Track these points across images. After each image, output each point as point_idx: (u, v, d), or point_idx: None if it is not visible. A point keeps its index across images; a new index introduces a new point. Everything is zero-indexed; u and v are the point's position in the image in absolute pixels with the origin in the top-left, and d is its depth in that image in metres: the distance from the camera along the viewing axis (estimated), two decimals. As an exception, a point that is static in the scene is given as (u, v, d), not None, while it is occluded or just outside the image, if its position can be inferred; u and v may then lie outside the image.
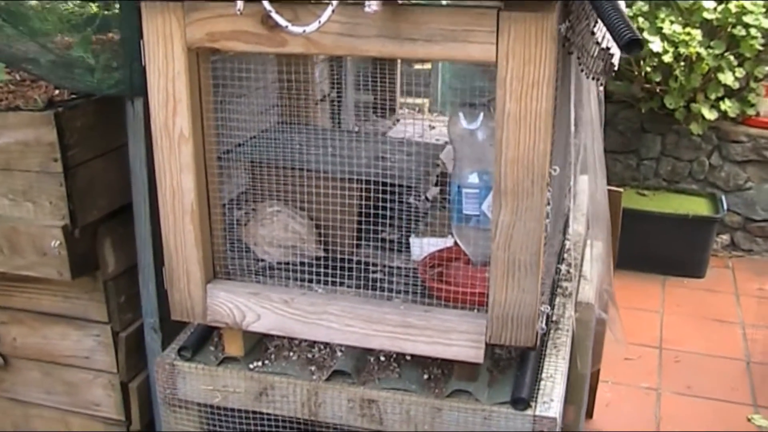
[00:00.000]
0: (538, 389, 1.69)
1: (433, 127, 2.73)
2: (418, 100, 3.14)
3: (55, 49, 1.97)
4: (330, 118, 2.70)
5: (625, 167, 5.10)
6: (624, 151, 5.08)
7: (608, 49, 1.49)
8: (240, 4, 1.41)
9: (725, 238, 5.09)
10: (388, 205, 1.81)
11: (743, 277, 4.79)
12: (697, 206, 4.80)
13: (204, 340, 1.88)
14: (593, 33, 1.46)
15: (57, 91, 1.95)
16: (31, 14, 2.02)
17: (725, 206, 4.75)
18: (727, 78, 4.32)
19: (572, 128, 1.78)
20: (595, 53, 1.50)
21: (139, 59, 1.62)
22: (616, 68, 1.59)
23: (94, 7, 2.20)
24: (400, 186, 1.85)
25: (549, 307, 1.64)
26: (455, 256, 1.82)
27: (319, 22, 1.36)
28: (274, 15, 1.39)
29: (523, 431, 1.63)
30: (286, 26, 1.39)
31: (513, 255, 1.51)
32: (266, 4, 1.39)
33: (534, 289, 1.52)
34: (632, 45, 1.18)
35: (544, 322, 1.61)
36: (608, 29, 1.22)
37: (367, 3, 1.32)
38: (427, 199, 2.16)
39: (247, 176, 1.97)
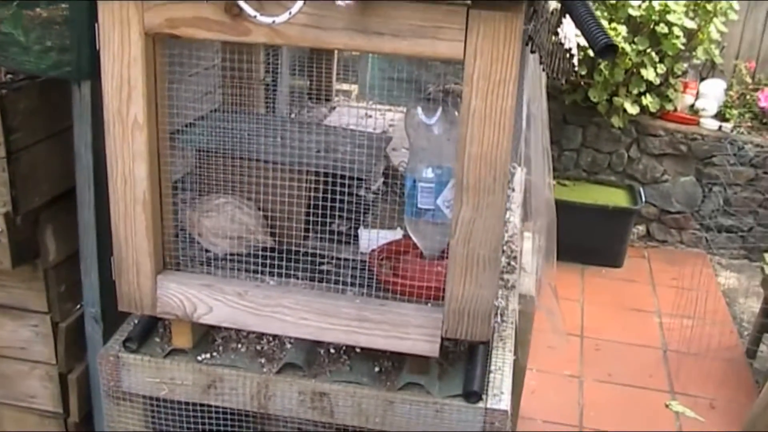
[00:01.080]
0: (488, 382, 1.72)
1: (370, 116, 2.73)
2: (345, 86, 3.13)
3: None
4: (264, 104, 2.67)
5: (548, 158, 5.20)
6: (547, 142, 5.17)
7: (570, 49, 1.51)
8: (206, -8, 1.38)
9: (641, 229, 5.25)
10: (337, 196, 1.80)
11: (659, 268, 4.95)
12: (616, 197, 4.93)
13: (149, 331, 1.84)
14: (556, 33, 1.48)
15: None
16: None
17: (643, 198, 4.89)
18: (649, 74, 4.44)
19: (524, 123, 1.80)
20: (558, 53, 1.52)
21: (88, 42, 1.57)
22: (576, 68, 1.62)
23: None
24: (350, 178, 1.84)
25: (502, 301, 1.66)
26: (405, 249, 1.82)
27: (290, 13, 1.34)
28: (242, 4, 1.37)
29: (475, 424, 1.65)
30: (255, 16, 1.36)
31: (472, 251, 1.52)
32: (233, -7, 1.36)
33: (492, 284, 1.54)
34: (607, 50, 1.20)
35: (498, 316, 1.63)
36: (583, 33, 1.23)
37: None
38: (372, 191, 2.16)
39: (190, 160, 1.93)
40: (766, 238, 5.09)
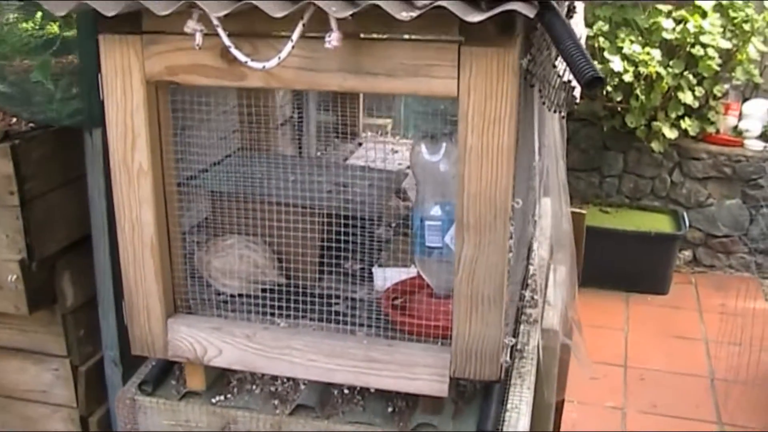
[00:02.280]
0: (504, 421, 1.68)
1: (396, 151, 2.73)
2: (380, 121, 3.13)
3: (13, 75, 1.95)
4: (291, 142, 2.69)
5: (588, 185, 5.14)
6: (586, 169, 5.12)
7: (569, 81, 1.49)
8: (198, 39, 1.39)
9: (687, 254, 5.14)
10: (350, 235, 1.79)
11: (706, 293, 4.84)
12: (660, 223, 4.85)
13: (165, 373, 1.85)
14: (554, 66, 1.46)
15: (14, 119, 1.92)
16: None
17: (687, 223, 4.80)
18: (686, 97, 4.37)
19: (536, 155, 1.78)
20: (557, 86, 1.50)
21: (98, 90, 1.59)
22: (577, 100, 1.59)
23: (55, 27, 2.15)
24: (362, 217, 1.83)
25: (513, 339, 1.63)
26: (419, 286, 1.80)
27: (279, 57, 1.35)
28: (232, 50, 1.38)
29: (488, 464, 1.62)
30: (246, 61, 1.37)
31: (476, 289, 1.50)
32: (224, 39, 1.37)
33: (498, 323, 1.51)
34: (593, 83, 1.18)
35: (508, 354, 1.60)
36: (569, 66, 1.22)
37: (327, 39, 1.31)
38: (390, 226, 2.15)
39: (206, 205, 1.95)
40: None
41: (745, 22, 4.32)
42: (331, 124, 2.73)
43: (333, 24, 1.30)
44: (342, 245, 1.79)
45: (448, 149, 1.66)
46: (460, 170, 1.43)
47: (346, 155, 2.70)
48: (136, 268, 1.67)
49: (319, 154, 2.74)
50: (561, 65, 1.46)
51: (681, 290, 4.88)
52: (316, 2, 1.27)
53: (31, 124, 1.91)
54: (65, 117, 1.82)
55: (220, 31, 1.37)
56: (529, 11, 1.21)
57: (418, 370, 1.59)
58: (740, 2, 4.35)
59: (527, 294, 2.20)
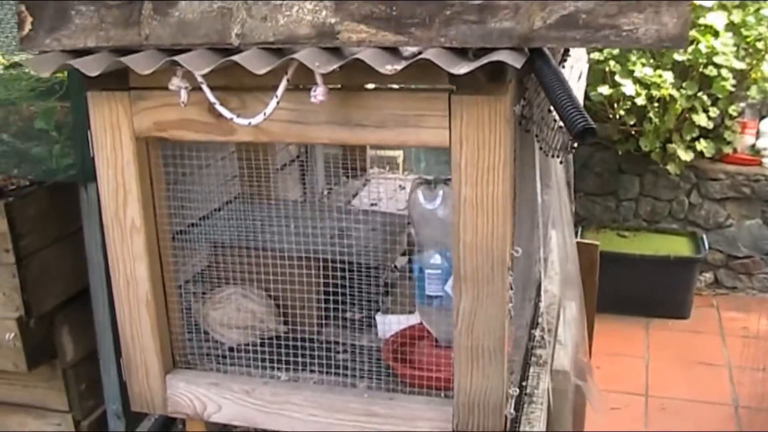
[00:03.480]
0: (512, 471, 1.64)
1: (404, 188, 2.69)
2: (390, 153, 3.09)
3: (19, 122, 1.94)
4: (297, 181, 2.66)
5: (604, 209, 5.08)
6: (602, 193, 5.06)
7: (560, 126, 1.45)
8: (183, 96, 1.36)
9: (708, 276, 5.06)
10: (353, 282, 1.76)
11: (728, 316, 4.75)
12: (679, 246, 4.77)
13: (168, 426, 1.83)
14: (550, 110, 1.43)
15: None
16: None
17: (707, 245, 4.72)
18: (701, 119, 4.32)
19: (539, 196, 1.74)
20: (555, 129, 1.46)
21: (90, 144, 1.58)
22: (576, 146, 1.55)
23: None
24: (365, 264, 1.80)
25: (518, 390, 1.59)
26: (422, 335, 1.77)
27: (264, 114, 1.32)
28: (218, 107, 1.35)
29: None
30: (231, 118, 1.35)
31: (476, 341, 1.46)
32: (209, 96, 1.35)
33: (499, 374, 1.47)
34: (585, 134, 1.15)
35: (512, 405, 1.55)
36: (560, 116, 1.18)
37: (312, 93, 1.28)
38: (395, 268, 2.12)
39: (204, 255, 1.92)
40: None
41: (759, 40, 4.26)
42: (339, 158, 2.70)
43: (318, 78, 1.27)
44: (344, 292, 1.76)
45: (446, 195, 1.63)
46: (455, 221, 1.40)
47: (353, 192, 2.67)
48: (133, 324, 1.65)
49: (325, 192, 2.71)
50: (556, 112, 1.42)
51: (702, 314, 4.79)
52: (298, 58, 1.24)
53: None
54: (60, 171, 1.80)
55: (204, 88, 1.35)
56: (517, 61, 1.18)
57: (420, 424, 1.55)
58: (753, 21, 4.29)
59: (537, 334, 2.15)
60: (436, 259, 1.64)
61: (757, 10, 4.27)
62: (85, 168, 1.76)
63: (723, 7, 4.28)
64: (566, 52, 1.66)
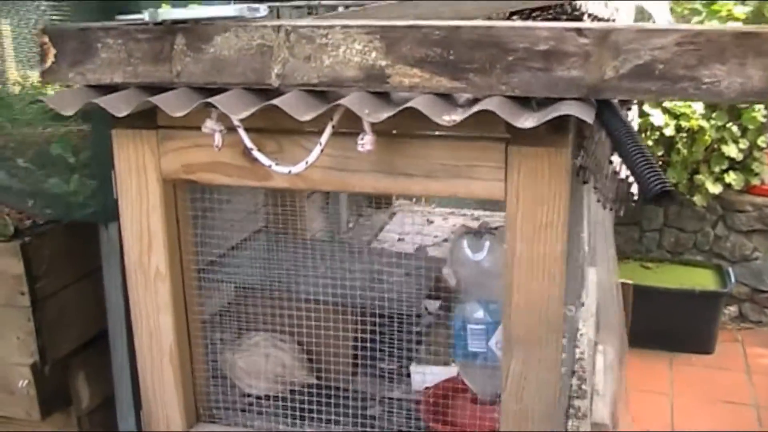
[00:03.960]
0: None
1: (431, 221, 2.59)
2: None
3: (34, 146, 1.84)
4: (321, 211, 2.56)
5: (627, 239, 4.96)
6: (626, 223, 4.94)
7: (627, 177, 1.35)
8: (218, 139, 1.27)
9: (733, 309, 4.94)
10: (386, 331, 1.66)
11: (753, 352, 4.63)
12: (703, 278, 4.66)
13: (187, 481, 1.71)
14: (610, 161, 1.33)
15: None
16: (12, 101, 1.88)
17: (733, 279, 4.60)
18: (730, 150, 4.21)
19: (586, 244, 1.64)
20: (613, 179, 1.36)
21: (112, 183, 1.48)
22: (635, 197, 1.45)
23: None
24: (398, 313, 1.70)
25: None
26: (461, 389, 1.66)
27: (306, 162, 1.22)
28: (255, 153, 1.25)
29: None
30: (270, 165, 1.25)
31: (525, 406, 1.35)
32: (246, 141, 1.25)
33: (549, 442, 1.36)
34: (662, 196, 1.04)
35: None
36: (633, 176, 1.08)
37: (359, 142, 1.18)
38: (428, 312, 2.01)
39: (227, 291, 1.82)
40: None
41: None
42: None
43: (366, 126, 1.17)
44: (377, 340, 1.66)
45: (493, 246, 1.52)
46: (507, 280, 1.29)
47: (380, 225, 2.57)
48: (155, 376, 1.54)
49: (350, 225, 2.61)
50: (617, 159, 1.32)
51: (727, 349, 4.66)
52: (346, 104, 1.14)
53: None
54: (78, 209, 1.70)
55: (241, 132, 1.25)
56: (588, 115, 1.08)
57: (461, 492, 1.44)
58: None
59: (574, 383, 2.04)
60: (480, 313, 1.53)
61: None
62: (106, 206, 1.66)
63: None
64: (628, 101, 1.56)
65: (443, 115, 1.11)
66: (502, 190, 1.25)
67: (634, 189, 1.44)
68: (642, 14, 2.32)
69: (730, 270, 4.68)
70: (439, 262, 1.93)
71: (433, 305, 2.02)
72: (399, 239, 2.47)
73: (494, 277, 1.52)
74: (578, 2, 1.38)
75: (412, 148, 1.27)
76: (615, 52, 1.09)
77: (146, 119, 1.40)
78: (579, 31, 1.09)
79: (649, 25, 1.07)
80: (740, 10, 4.14)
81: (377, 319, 1.69)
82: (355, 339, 1.74)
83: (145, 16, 1.29)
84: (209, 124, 1.26)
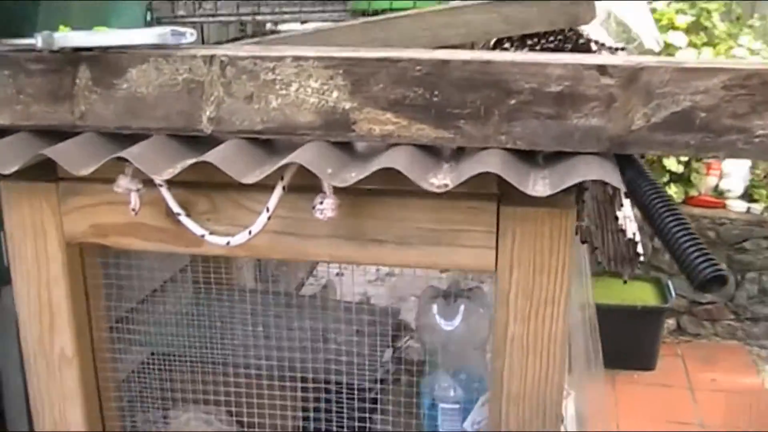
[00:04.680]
0: None
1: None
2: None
3: None
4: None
5: (566, 253, 4.80)
6: (564, 237, 4.79)
7: (633, 236, 1.13)
8: (134, 201, 1.00)
9: (671, 322, 4.84)
10: (338, 398, 1.41)
11: (695, 367, 4.52)
12: (643, 293, 4.53)
13: None
14: (616, 217, 1.10)
15: None
16: None
17: (673, 293, 4.48)
18: (671, 163, 4.09)
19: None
20: (619, 241, 1.13)
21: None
22: (642, 258, 1.23)
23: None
24: (349, 380, 1.45)
25: None
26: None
27: (249, 232, 0.96)
28: (183, 220, 0.99)
29: None
30: (203, 235, 0.98)
31: None
32: (172, 205, 0.98)
33: None
34: (713, 282, 0.82)
35: None
36: (675, 258, 0.85)
37: (318, 206, 0.93)
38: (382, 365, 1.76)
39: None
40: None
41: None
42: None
43: (326, 188, 0.92)
44: (329, 410, 1.41)
45: (468, 310, 1.28)
46: (496, 366, 1.06)
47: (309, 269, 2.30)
48: (60, 478, 1.26)
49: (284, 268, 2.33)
50: (623, 216, 1.10)
51: (668, 364, 4.54)
52: (301, 162, 0.89)
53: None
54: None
55: (165, 193, 0.98)
56: (615, 178, 0.85)
57: None
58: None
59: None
60: (452, 389, 1.30)
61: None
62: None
63: (693, 44, 4.07)
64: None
65: (429, 177, 0.87)
66: (493, 260, 1.01)
67: (640, 248, 1.22)
68: (609, 18, 2.10)
69: (670, 283, 4.56)
70: (395, 313, 1.69)
71: (387, 354, 1.77)
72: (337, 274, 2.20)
73: (469, 346, 1.29)
74: (583, 28, 1.16)
75: (383, 209, 1.02)
76: (646, 95, 0.86)
77: (43, 169, 1.11)
78: (602, 69, 0.86)
79: (688, 61, 0.84)
80: (682, 20, 4.01)
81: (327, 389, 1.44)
82: (302, 411, 1.49)
83: (38, 40, 1.01)
84: (123, 183, 0.99)
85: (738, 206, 4.69)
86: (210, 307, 1.58)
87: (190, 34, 1.00)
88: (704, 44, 4.08)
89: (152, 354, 1.49)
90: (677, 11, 4.06)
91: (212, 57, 0.97)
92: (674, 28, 3.98)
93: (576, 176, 0.83)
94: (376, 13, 1.39)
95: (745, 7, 4.39)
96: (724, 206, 4.69)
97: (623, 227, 1.10)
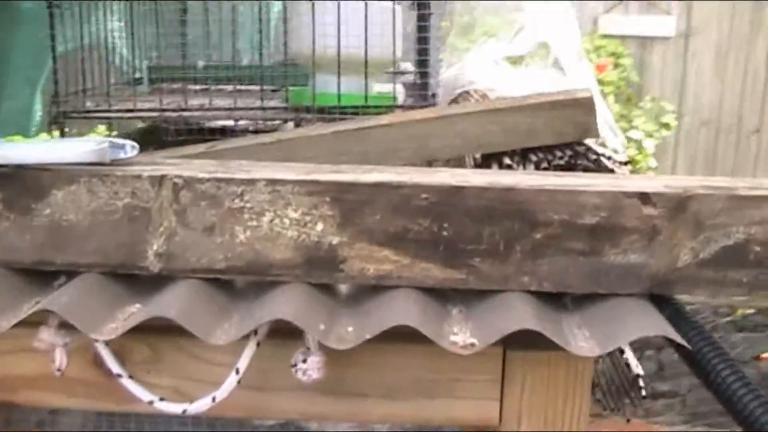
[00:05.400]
0: None
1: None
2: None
3: None
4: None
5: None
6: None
7: (638, 377, 1.00)
8: (60, 359, 0.79)
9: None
10: None
11: None
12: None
13: None
14: (622, 351, 0.97)
15: None
16: None
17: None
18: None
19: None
20: (623, 379, 1.00)
21: None
22: (644, 394, 1.09)
23: None
24: None
25: None
26: None
27: (213, 399, 0.77)
28: (125, 383, 0.79)
29: None
30: (152, 401, 0.79)
31: None
32: (112, 366, 0.79)
33: None
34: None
35: None
36: (728, 408, 0.72)
37: (300, 365, 0.75)
38: None
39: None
40: (706, 399, 4.70)
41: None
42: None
43: (311, 343, 0.75)
44: None
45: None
46: None
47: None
48: None
49: None
50: (629, 354, 0.97)
51: None
52: (288, 319, 0.71)
53: None
54: None
55: (102, 351, 0.78)
56: (668, 330, 0.71)
57: None
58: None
59: None
60: None
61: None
62: None
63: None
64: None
65: (447, 333, 0.71)
66: (497, 413, 0.85)
67: (641, 382, 1.08)
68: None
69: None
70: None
71: None
72: None
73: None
74: (591, 142, 1.03)
75: (367, 356, 0.85)
76: (695, 228, 0.74)
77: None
78: (644, 197, 0.73)
79: (739, 188, 0.72)
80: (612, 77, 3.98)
81: None
82: None
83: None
84: (46, 337, 0.78)
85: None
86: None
87: (131, 147, 0.82)
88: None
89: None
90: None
91: (162, 178, 0.79)
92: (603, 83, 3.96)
93: (627, 332, 0.69)
94: (321, 111, 1.24)
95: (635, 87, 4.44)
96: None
97: (628, 360, 0.96)
